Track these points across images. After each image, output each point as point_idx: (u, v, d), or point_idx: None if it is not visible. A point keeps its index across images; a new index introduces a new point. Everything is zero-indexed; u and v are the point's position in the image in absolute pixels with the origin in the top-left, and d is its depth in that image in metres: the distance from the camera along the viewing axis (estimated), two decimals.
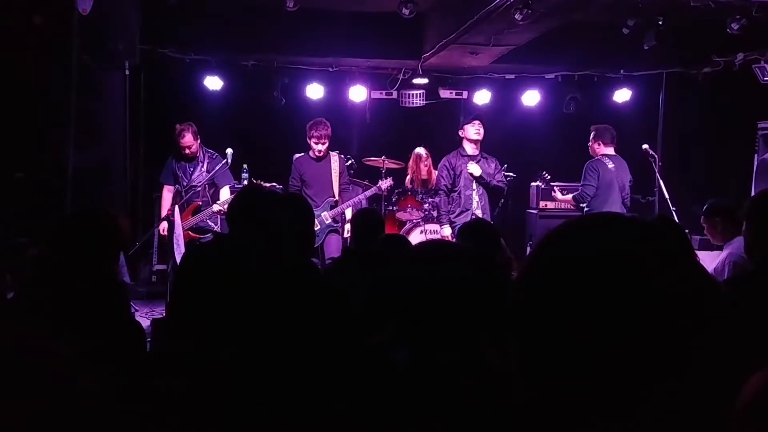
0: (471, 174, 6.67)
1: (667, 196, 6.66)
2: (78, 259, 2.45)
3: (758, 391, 1.15)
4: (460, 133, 6.85)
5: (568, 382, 0.79)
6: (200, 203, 6.58)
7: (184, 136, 6.51)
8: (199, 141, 6.63)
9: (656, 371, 0.77)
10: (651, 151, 6.85)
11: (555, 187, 7.37)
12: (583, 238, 0.84)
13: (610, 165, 6.45)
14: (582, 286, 0.80)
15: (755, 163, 6.72)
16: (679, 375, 0.77)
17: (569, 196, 6.78)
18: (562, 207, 7.78)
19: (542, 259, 0.86)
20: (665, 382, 0.77)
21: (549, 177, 7.62)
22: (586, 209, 6.45)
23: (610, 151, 6.54)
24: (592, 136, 6.65)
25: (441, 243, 2.00)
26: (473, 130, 6.70)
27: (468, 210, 6.64)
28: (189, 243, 6.25)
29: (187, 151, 6.56)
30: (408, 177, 8.11)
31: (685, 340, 0.77)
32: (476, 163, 6.71)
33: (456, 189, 6.74)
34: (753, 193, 6.35)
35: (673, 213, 6.41)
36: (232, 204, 3.59)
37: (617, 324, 0.77)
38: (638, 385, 0.77)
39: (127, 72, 6.92)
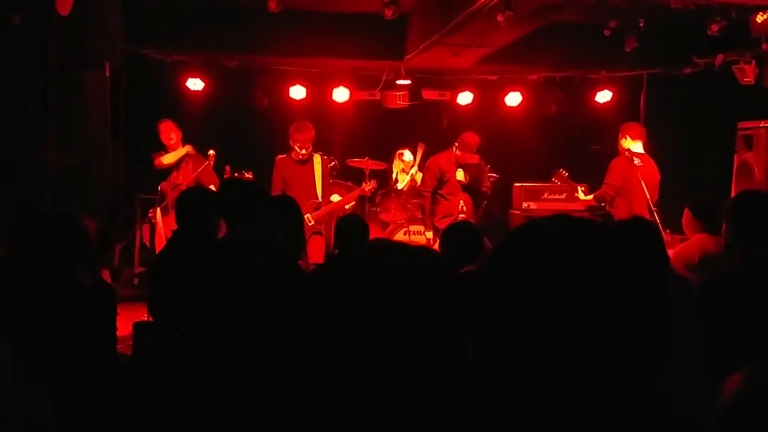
0: (459, 181, 6.67)
1: (648, 195, 6.69)
2: (42, 260, 2.38)
3: (737, 392, 1.16)
4: (454, 147, 6.68)
5: (519, 379, 0.87)
6: None
7: (164, 129, 6.77)
8: (181, 136, 6.82)
9: (597, 371, 0.84)
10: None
11: (579, 188, 6.61)
12: (539, 247, 0.91)
13: (637, 162, 6.07)
14: (532, 293, 0.86)
15: (735, 163, 6.78)
16: (619, 375, 0.84)
17: (590, 197, 6.41)
18: (546, 207, 7.70)
19: (498, 266, 0.93)
20: (606, 381, 0.84)
21: (567, 174, 6.85)
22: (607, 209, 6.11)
23: (638, 148, 6.14)
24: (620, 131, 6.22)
25: (384, 244, 1.96)
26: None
27: (452, 215, 6.64)
28: None
29: (170, 142, 6.77)
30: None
31: (625, 343, 0.84)
32: (464, 169, 6.71)
33: (441, 192, 6.74)
34: (732, 194, 6.40)
35: (654, 213, 6.43)
36: (196, 200, 3.54)
37: (563, 329, 0.84)
38: (580, 384, 0.84)
39: (107, 72, 6.87)
